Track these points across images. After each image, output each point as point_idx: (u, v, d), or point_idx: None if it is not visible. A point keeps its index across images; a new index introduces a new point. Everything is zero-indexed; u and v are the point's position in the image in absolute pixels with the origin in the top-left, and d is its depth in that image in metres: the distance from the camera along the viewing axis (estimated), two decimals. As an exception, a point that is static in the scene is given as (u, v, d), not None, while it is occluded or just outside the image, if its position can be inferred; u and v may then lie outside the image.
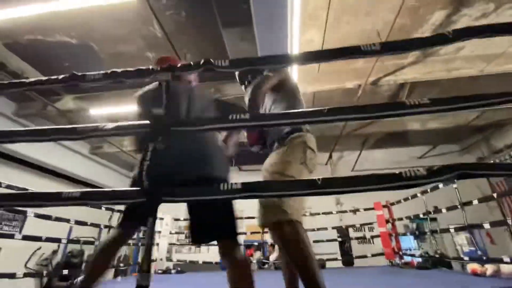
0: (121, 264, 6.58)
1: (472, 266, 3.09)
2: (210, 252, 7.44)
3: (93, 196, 0.95)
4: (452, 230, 3.64)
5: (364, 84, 4.77)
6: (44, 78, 1.24)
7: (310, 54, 1.08)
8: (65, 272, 4.02)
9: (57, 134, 1.08)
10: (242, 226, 7.84)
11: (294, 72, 3.89)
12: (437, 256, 4.71)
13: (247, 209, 7.96)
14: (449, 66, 4.78)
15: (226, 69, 1.06)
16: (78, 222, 3.88)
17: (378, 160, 8.77)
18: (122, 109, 5.30)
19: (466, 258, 3.19)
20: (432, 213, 3.98)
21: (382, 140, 8.14)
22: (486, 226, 2.86)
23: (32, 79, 1.27)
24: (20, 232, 5.54)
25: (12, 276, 2.71)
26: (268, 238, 6.19)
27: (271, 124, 0.98)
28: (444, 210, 3.50)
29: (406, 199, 4.73)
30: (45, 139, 1.08)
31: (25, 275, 3.05)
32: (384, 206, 5.36)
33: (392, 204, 5.11)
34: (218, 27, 3.86)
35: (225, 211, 1.34)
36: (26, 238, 3.07)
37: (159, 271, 5.23)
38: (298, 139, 1.50)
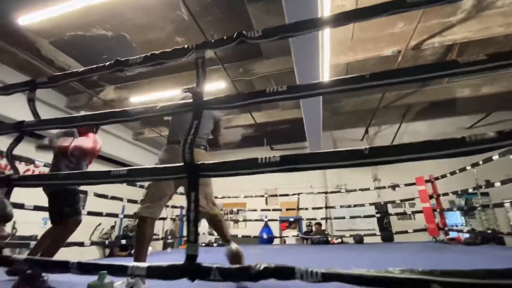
0: (169, 237, 7.26)
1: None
2: (248, 227, 7.82)
3: (138, 173, 1.04)
4: (507, 205, 3.33)
5: (405, 49, 4.35)
6: (93, 66, 1.34)
7: (345, 14, 1.00)
8: (123, 242, 4.56)
9: (112, 117, 1.19)
10: (277, 203, 8.05)
11: (326, 43, 3.67)
12: (488, 231, 4.39)
13: (280, 187, 8.07)
14: (508, 20, 4.11)
15: (259, 39, 1.05)
16: (130, 201, 4.32)
17: (420, 133, 8.14)
18: (159, 95, 5.57)
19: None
20: (483, 187, 3.66)
21: (425, 111, 7.49)
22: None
23: (83, 69, 1.38)
24: (83, 209, 6.34)
25: (81, 244, 3.19)
26: (304, 214, 6.30)
27: (313, 93, 0.97)
28: (497, 184, 3.19)
29: (452, 173, 4.39)
30: (103, 123, 1.19)
31: (92, 243, 3.55)
32: (427, 181, 5.04)
33: (437, 178, 4.78)
34: (243, 3, 3.75)
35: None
36: (90, 213, 3.53)
37: (203, 244, 5.69)
38: None
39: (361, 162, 0.82)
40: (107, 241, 5.48)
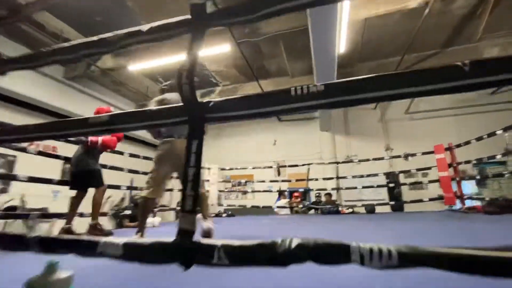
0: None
1: None
2: (256, 199, 7.82)
3: (124, 119, 0.81)
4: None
5: (434, 0, 3.81)
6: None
7: None
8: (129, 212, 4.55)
9: (86, 48, 0.91)
10: (286, 174, 7.94)
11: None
12: (502, 200, 4.20)
13: (288, 159, 7.90)
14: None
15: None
16: (132, 171, 4.21)
17: (437, 100, 7.64)
18: (158, 62, 5.20)
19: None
20: (503, 155, 3.38)
21: (445, 75, 6.95)
22: None
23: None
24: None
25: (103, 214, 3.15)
26: (313, 185, 6.17)
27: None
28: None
29: (467, 143, 4.15)
30: (73, 58, 0.93)
31: (103, 214, 3.50)
32: (446, 149, 4.76)
33: (459, 145, 4.49)
34: None
35: None
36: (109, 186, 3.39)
37: (212, 215, 5.69)
38: None
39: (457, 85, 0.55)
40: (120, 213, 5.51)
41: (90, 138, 2.70)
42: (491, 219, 3.02)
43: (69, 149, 3.09)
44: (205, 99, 0.77)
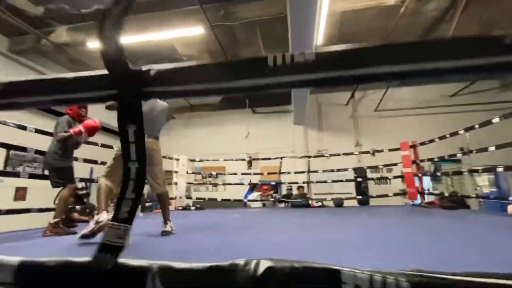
0: (148, 201, 6.87)
1: (515, 207, 2.82)
2: (227, 191, 7.64)
3: (22, 89, 0.57)
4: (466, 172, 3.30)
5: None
6: None
7: None
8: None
9: None
10: (258, 167, 7.85)
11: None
12: (458, 195, 4.56)
13: (261, 151, 7.80)
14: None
15: None
16: (88, 161, 3.78)
17: (404, 99, 8.03)
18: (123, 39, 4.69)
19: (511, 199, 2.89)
20: (463, 154, 3.60)
21: (412, 76, 7.27)
22: (499, 169, 2.92)
23: None
24: (42, 172, 5.68)
25: (43, 210, 2.83)
26: (284, 178, 6.15)
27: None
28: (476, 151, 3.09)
29: (431, 141, 4.39)
30: None
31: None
32: (411, 146, 4.98)
33: (423, 143, 4.71)
34: None
35: None
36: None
37: (180, 208, 5.41)
38: None
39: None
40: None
41: (72, 130, 2.54)
42: (449, 214, 3.19)
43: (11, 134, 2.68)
44: (145, 67, 0.55)
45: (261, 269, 0.37)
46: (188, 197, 5.96)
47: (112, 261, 0.39)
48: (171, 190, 6.41)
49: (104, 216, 1.82)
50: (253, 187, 6.42)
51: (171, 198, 5.79)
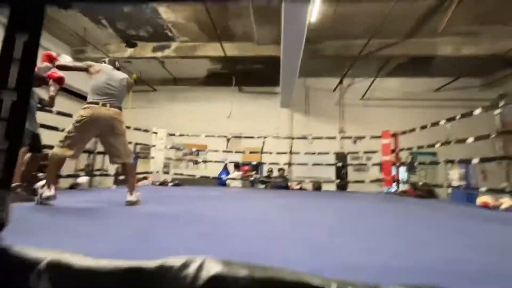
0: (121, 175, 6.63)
1: (483, 199, 2.94)
2: (208, 168, 7.53)
3: None
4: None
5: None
6: None
7: None
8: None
9: None
10: (241, 147, 7.75)
11: None
12: (430, 186, 4.78)
13: (246, 132, 7.67)
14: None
15: None
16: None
17: (390, 90, 8.09)
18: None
19: (483, 189, 3.02)
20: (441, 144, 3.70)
21: (402, 67, 7.28)
22: (475, 161, 3.00)
23: None
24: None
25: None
26: (266, 159, 6.11)
27: None
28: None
29: (412, 130, 4.48)
30: None
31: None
32: (392, 135, 5.06)
33: (404, 132, 4.78)
34: None
35: None
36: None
37: (156, 183, 5.25)
38: None
39: None
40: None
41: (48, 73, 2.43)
42: (422, 202, 3.29)
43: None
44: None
45: (203, 276, 0.25)
46: (165, 173, 5.79)
47: None
48: (147, 164, 6.21)
49: (51, 193, 1.83)
50: (236, 165, 6.35)
51: (148, 173, 5.60)
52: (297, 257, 0.89)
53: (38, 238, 0.90)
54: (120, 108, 2.17)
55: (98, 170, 5.50)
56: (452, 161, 3.73)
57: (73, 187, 4.06)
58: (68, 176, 4.18)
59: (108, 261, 0.27)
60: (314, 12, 4.45)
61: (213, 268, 0.25)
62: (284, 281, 0.25)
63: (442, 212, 2.54)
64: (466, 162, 3.33)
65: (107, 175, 5.45)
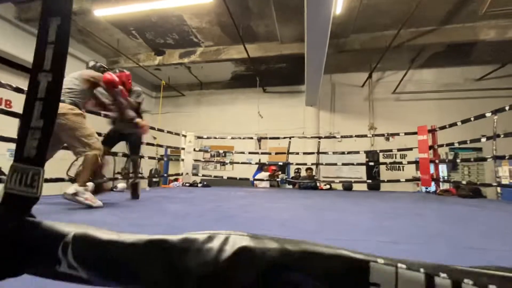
0: (155, 176, 6.95)
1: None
2: (235, 170, 7.61)
3: None
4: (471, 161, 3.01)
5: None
6: None
7: None
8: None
9: None
10: (267, 147, 7.73)
11: None
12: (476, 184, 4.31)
13: (270, 132, 7.64)
14: None
15: None
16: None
17: (425, 82, 7.54)
18: (127, 8, 4.49)
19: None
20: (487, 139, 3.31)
21: (437, 56, 6.74)
22: None
23: None
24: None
25: (61, 180, 2.79)
26: (293, 159, 6.01)
27: None
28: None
29: (452, 125, 4.08)
30: None
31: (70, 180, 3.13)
32: (429, 131, 4.68)
33: (443, 127, 4.40)
34: None
35: None
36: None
37: (187, 184, 5.42)
38: None
39: None
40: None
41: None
42: (467, 202, 2.99)
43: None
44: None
45: (229, 248, 0.23)
46: (195, 174, 5.94)
47: (16, 218, 0.27)
48: (178, 166, 6.44)
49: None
50: (261, 166, 6.33)
51: (178, 174, 5.80)
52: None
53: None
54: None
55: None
56: (502, 157, 3.34)
57: (111, 189, 4.36)
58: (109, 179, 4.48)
59: (131, 234, 0.26)
60: (339, 4, 4.29)
61: (239, 241, 0.23)
62: (319, 253, 0.22)
63: (492, 212, 2.27)
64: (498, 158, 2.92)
65: (142, 177, 5.74)
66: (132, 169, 2.99)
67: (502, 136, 2.98)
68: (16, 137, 0.35)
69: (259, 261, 0.22)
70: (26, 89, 0.34)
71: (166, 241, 0.24)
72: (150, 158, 5.19)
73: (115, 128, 2.79)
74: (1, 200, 0.29)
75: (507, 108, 2.87)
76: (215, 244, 0.23)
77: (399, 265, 0.21)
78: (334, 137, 5.88)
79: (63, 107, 2.00)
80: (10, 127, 2.20)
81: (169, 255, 0.23)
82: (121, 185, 3.84)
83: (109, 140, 2.76)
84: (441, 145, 4.53)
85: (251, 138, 6.21)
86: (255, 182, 5.92)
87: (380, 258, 0.21)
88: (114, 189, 4.29)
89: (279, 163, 6.38)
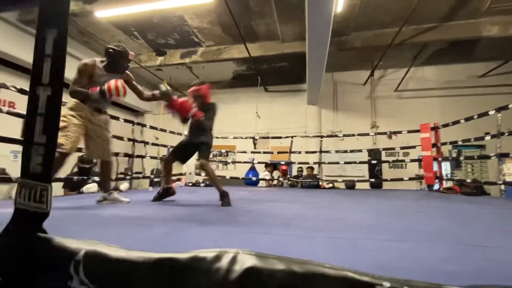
0: (152, 176, 6.96)
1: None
2: (237, 169, 7.62)
3: None
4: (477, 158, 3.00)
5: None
6: None
7: None
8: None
9: None
10: (268, 146, 7.73)
11: None
12: (481, 182, 4.27)
13: (272, 131, 7.65)
14: None
15: None
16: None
17: (427, 80, 7.49)
18: (128, 9, 4.49)
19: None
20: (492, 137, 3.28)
21: (440, 53, 6.69)
22: None
23: None
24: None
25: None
26: (295, 158, 6.00)
27: None
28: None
29: (455, 122, 4.05)
30: None
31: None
32: (432, 128, 4.65)
33: (446, 125, 4.38)
34: None
35: None
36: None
37: (189, 184, 5.44)
38: None
39: None
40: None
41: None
42: (471, 200, 2.98)
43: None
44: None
45: (237, 268, 0.23)
46: (198, 174, 5.95)
47: (28, 234, 0.27)
48: (180, 166, 6.45)
49: None
50: (267, 165, 6.33)
51: (181, 174, 5.81)
52: (334, 256, 0.84)
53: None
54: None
55: (137, 173, 5.83)
56: (506, 155, 3.32)
57: (115, 189, 4.38)
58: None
59: (140, 252, 0.26)
60: (340, 2, 4.27)
61: (247, 261, 0.23)
62: (325, 275, 0.22)
63: (496, 209, 2.26)
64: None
65: (144, 177, 5.76)
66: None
67: (506, 134, 2.96)
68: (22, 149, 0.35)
69: (266, 282, 0.22)
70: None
71: (174, 260, 0.24)
72: (152, 158, 5.21)
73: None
74: (13, 216, 0.30)
75: (510, 106, 2.84)
76: (223, 263, 0.23)
77: None
78: (336, 135, 5.87)
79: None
80: (13, 129, 2.21)
81: (178, 275, 0.23)
82: (124, 186, 3.86)
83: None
84: (445, 143, 4.50)
85: (253, 137, 6.22)
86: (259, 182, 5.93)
87: (386, 280, 0.22)
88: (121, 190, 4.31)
89: (281, 162, 6.38)
